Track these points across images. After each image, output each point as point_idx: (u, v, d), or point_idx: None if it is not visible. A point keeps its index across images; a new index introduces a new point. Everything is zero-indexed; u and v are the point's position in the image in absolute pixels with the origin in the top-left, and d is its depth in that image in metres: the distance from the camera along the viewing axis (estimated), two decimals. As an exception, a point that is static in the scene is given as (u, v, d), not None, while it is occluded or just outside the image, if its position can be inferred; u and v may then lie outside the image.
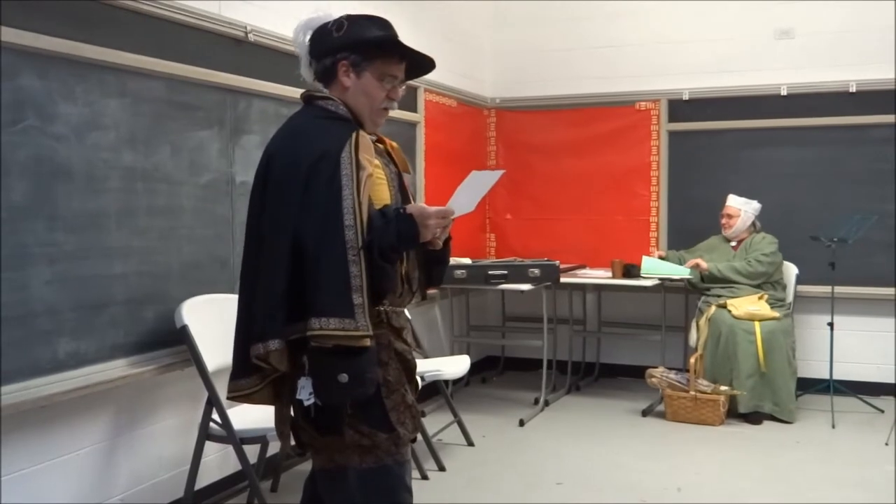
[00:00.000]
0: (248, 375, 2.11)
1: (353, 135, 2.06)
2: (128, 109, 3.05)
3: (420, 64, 2.26)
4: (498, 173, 2.37)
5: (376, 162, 2.13)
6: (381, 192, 2.12)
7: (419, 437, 4.13)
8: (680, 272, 5.35)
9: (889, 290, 5.42)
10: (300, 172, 2.01)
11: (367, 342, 1.96)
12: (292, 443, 2.22)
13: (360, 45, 2.14)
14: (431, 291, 5.38)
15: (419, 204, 2.15)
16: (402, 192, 2.23)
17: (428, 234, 2.09)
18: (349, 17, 2.16)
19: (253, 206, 2.15)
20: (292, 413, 2.16)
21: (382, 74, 2.17)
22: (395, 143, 2.33)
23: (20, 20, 2.62)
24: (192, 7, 3.34)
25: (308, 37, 2.20)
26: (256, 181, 2.15)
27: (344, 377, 1.95)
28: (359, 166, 2.02)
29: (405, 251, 2.14)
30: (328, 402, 2.01)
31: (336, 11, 2.22)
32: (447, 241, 2.26)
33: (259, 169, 2.15)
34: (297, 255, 1.98)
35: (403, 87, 2.26)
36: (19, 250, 2.64)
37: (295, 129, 2.16)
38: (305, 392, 2.02)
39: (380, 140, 2.27)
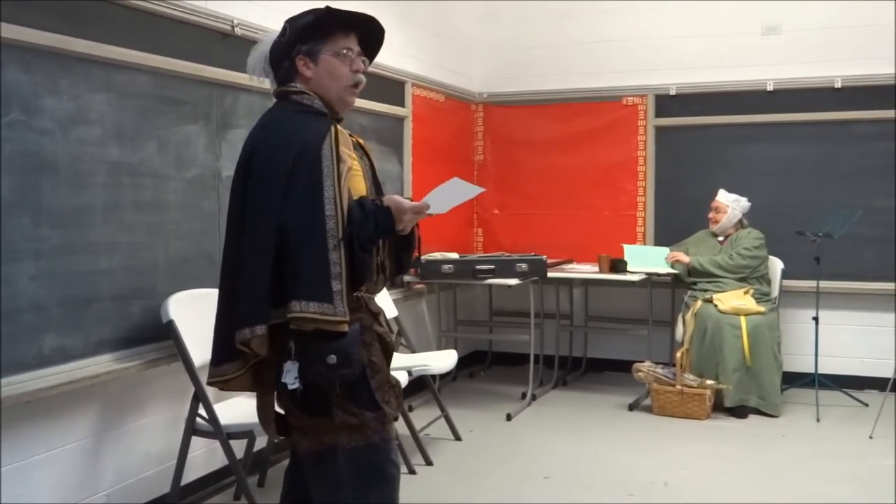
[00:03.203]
0: (231, 361, 2.16)
1: (333, 129, 2.14)
2: (114, 104, 3.04)
3: (371, 34, 2.32)
4: (478, 190, 2.43)
5: (353, 155, 2.21)
6: (358, 184, 2.21)
7: (407, 431, 4.14)
8: (661, 260, 5.44)
9: (874, 285, 5.47)
10: (282, 165, 2.08)
11: (345, 327, 2.04)
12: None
13: (303, 34, 2.21)
14: (419, 286, 5.40)
15: (395, 196, 2.22)
16: (376, 184, 2.34)
17: (402, 226, 2.18)
18: (289, 20, 2.25)
19: (234, 198, 2.20)
20: (275, 398, 2.23)
21: (336, 52, 2.22)
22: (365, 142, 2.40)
23: (5, 13, 2.60)
24: (178, 1, 3.32)
25: (264, 60, 2.30)
26: (237, 174, 2.21)
27: (332, 358, 2.04)
28: (339, 159, 2.11)
29: (381, 241, 2.23)
30: (316, 384, 2.08)
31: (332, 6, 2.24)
32: (414, 228, 2.32)
33: (240, 162, 2.21)
34: (280, 245, 2.05)
35: (365, 61, 2.30)
36: (4, 245, 2.62)
37: (274, 123, 2.22)
38: (291, 376, 2.08)
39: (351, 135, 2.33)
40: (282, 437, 2.28)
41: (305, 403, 2.13)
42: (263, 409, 2.26)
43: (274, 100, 2.31)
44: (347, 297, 2.06)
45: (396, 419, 2.29)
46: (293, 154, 2.08)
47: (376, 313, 2.28)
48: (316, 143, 2.09)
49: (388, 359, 2.29)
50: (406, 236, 2.30)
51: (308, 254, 2.04)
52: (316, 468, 2.21)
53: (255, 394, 2.29)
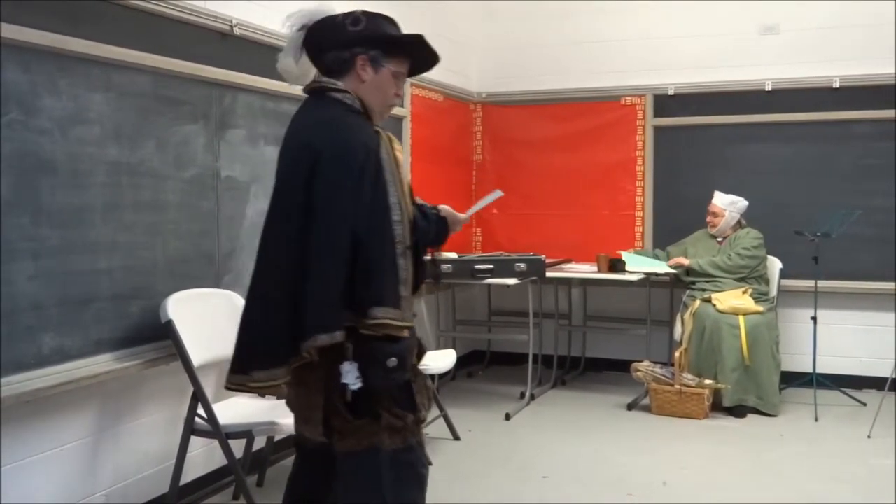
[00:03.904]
0: (284, 365, 2.12)
1: (384, 133, 2.16)
2: (113, 103, 3.03)
3: (419, 65, 2.34)
4: (497, 194, 2.58)
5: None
6: (406, 187, 2.25)
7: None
8: (658, 265, 5.43)
9: (872, 285, 5.47)
10: (353, 167, 2.07)
11: (407, 332, 2.11)
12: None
13: (381, 42, 2.21)
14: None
15: (449, 208, 2.29)
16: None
17: (450, 236, 2.29)
18: (365, 13, 2.21)
19: (288, 195, 2.15)
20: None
21: (394, 72, 2.24)
22: None
23: (5, 13, 2.60)
24: (177, 1, 3.32)
25: (299, 27, 2.23)
26: (295, 172, 2.14)
27: (393, 361, 2.08)
28: (398, 164, 2.15)
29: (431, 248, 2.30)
30: (376, 386, 2.10)
31: (332, 6, 2.24)
32: None
33: (299, 160, 2.14)
34: (354, 251, 2.05)
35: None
36: (3, 245, 2.62)
37: (334, 123, 2.17)
38: (352, 376, 2.08)
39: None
40: (325, 439, 2.23)
41: (353, 404, 2.13)
42: (309, 410, 2.21)
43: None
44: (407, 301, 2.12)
45: (423, 422, 2.31)
46: (361, 157, 2.08)
47: (414, 317, 2.32)
48: (375, 147, 2.10)
49: (419, 361, 2.33)
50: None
51: (381, 260, 2.07)
52: (354, 468, 2.21)
53: (253, 395, 2.27)
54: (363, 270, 2.05)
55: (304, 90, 2.28)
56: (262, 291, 2.17)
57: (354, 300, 2.05)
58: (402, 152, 2.24)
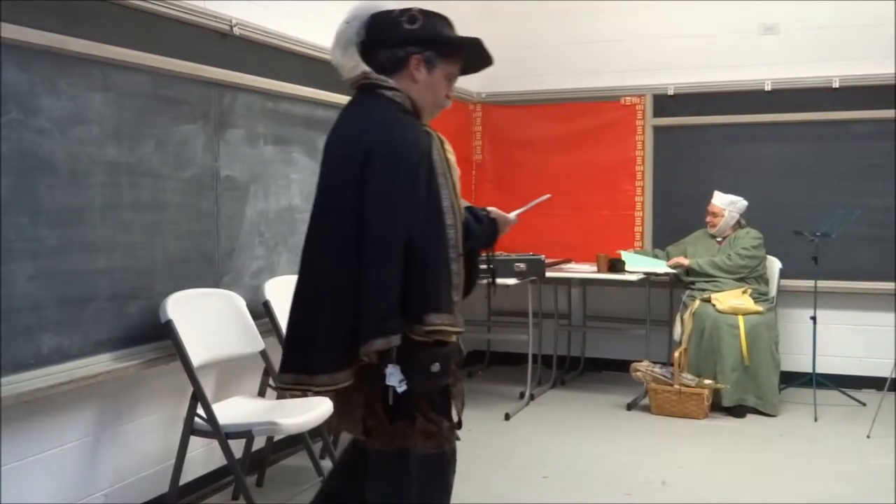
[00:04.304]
0: (347, 368, 2.10)
1: (435, 133, 2.14)
2: (112, 103, 3.03)
3: (471, 66, 2.34)
4: (544, 196, 2.61)
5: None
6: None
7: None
8: (657, 265, 5.43)
9: (871, 285, 5.47)
10: (407, 169, 2.05)
11: (455, 337, 2.12)
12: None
13: (438, 43, 2.19)
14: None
15: (497, 210, 2.28)
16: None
17: (499, 238, 2.27)
18: (422, 12, 2.19)
19: (337, 195, 2.11)
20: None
21: (447, 74, 2.23)
22: None
23: (4, 13, 2.60)
24: (176, 1, 3.31)
25: (349, 19, 2.20)
26: (345, 173, 2.10)
27: (437, 366, 2.08)
28: (450, 167, 2.13)
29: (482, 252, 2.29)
30: (418, 390, 2.09)
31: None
32: None
33: (350, 162, 2.10)
34: (408, 254, 2.03)
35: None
36: (2, 245, 2.61)
37: (387, 123, 2.14)
38: (395, 378, 2.06)
39: None
40: (363, 439, 2.24)
41: (393, 407, 2.11)
42: (349, 408, 2.20)
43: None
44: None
45: (459, 428, 2.31)
46: (414, 160, 2.05)
47: None
48: (427, 149, 2.08)
49: (457, 366, 2.30)
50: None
51: (436, 265, 2.05)
52: (383, 466, 2.21)
53: (255, 394, 2.27)
54: (418, 276, 2.03)
55: (352, 85, 2.24)
56: (313, 295, 2.14)
57: (408, 306, 2.03)
58: (454, 154, 2.20)
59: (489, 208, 2.27)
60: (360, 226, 2.04)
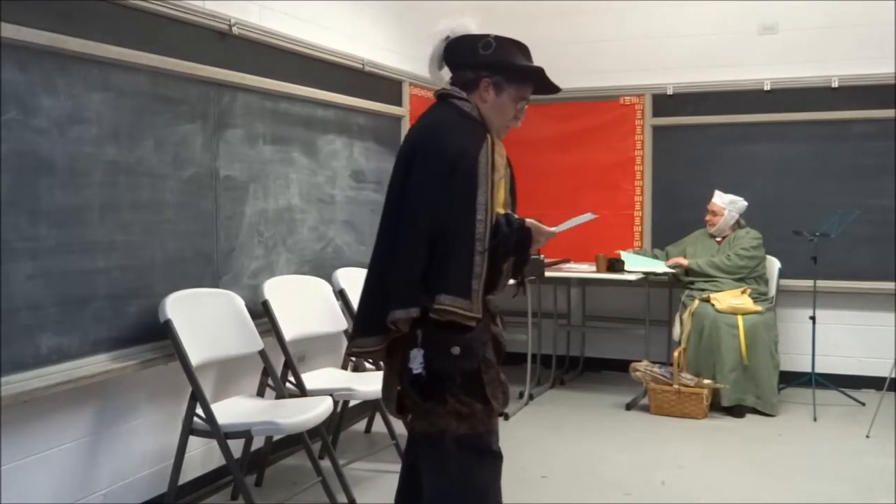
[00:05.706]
0: (373, 335, 2.34)
1: (489, 136, 2.30)
2: (111, 103, 3.03)
3: (542, 89, 2.49)
4: (591, 216, 2.65)
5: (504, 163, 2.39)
6: (501, 193, 2.37)
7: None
8: (656, 265, 5.43)
9: (871, 285, 5.47)
10: (443, 167, 2.24)
11: (475, 323, 2.22)
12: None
13: (506, 70, 2.38)
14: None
15: (535, 221, 2.39)
16: (513, 195, 2.51)
17: (536, 248, 2.40)
18: (497, 38, 2.39)
19: (393, 187, 2.36)
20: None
21: (518, 97, 2.42)
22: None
23: (2, 12, 2.60)
24: (176, 0, 3.31)
25: (441, 39, 2.44)
26: (398, 167, 2.35)
27: (457, 350, 2.23)
28: (493, 168, 2.27)
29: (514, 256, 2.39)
30: (438, 371, 2.25)
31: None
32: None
33: (402, 156, 2.36)
34: (434, 239, 2.22)
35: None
36: (1, 245, 2.61)
37: (437, 126, 2.36)
38: (416, 362, 2.25)
39: None
40: (401, 417, 2.45)
41: (423, 388, 2.28)
42: (386, 388, 2.44)
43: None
44: (481, 297, 2.23)
45: (502, 415, 2.44)
46: (453, 157, 2.23)
47: (494, 315, 2.45)
48: (474, 150, 2.24)
49: (500, 357, 2.42)
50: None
51: (457, 253, 2.20)
52: (426, 449, 2.37)
53: (254, 393, 2.33)
54: (439, 259, 2.21)
55: (434, 94, 2.48)
56: (369, 273, 2.39)
57: (428, 286, 2.21)
58: (504, 157, 2.37)
59: (527, 219, 2.40)
60: (400, 212, 2.30)
